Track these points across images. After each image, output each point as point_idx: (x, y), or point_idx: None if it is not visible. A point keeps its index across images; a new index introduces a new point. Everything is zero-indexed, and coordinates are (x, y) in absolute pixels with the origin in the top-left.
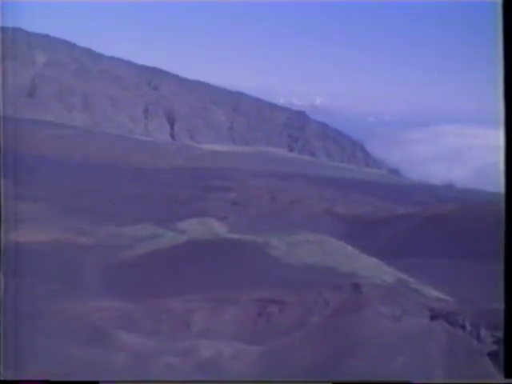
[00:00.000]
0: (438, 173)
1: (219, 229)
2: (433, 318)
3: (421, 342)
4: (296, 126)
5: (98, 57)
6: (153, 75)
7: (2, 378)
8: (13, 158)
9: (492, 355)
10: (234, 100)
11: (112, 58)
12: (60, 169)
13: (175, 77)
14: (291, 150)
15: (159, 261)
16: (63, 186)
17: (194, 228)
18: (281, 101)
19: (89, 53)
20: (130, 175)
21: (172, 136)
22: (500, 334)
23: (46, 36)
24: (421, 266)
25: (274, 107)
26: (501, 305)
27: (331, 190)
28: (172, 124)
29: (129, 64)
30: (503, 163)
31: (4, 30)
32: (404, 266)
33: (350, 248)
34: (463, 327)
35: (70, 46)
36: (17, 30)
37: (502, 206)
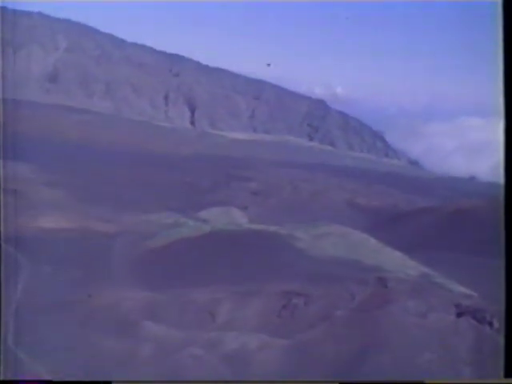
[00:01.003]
0: (460, 166)
1: (240, 219)
2: (459, 314)
3: (447, 339)
4: (317, 115)
5: (120, 43)
6: (174, 62)
7: (2, 378)
8: (36, 143)
9: None
10: (255, 88)
11: (134, 44)
12: (82, 155)
13: (197, 64)
14: (311, 139)
15: (184, 251)
16: (86, 172)
17: (215, 217)
18: (302, 90)
19: (111, 39)
20: (152, 162)
21: (192, 123)
22: None
23: (68, 21)
24: (444, 261)
25: (295, 96)
26: None
27: (352, 181)
28: (192, 111)
29: (150, 50)
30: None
31: (27, 14)
32: (427, 260)
33: (373, 241)
34: (491, 324)
35: (91, 32)
36: (39, 15)
37: None
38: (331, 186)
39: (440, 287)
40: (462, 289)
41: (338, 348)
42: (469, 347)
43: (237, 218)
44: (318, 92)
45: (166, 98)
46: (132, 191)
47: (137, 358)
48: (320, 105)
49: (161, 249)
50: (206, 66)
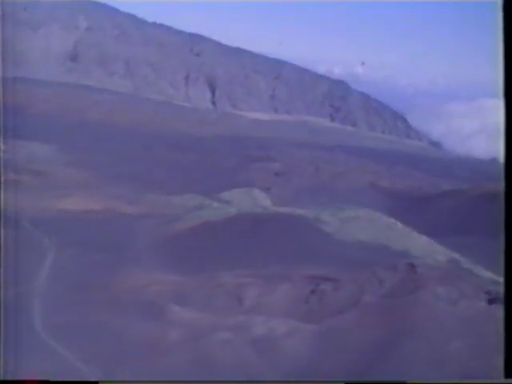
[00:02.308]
0: (481, 147)
1: (263, 200)
2: (491, 301)
3: (479, 327)
4: (337, 95)
5: (140, 23)
6: (194, 42)
7: (2, 378)
8: (56, 122)
9: None
10: (275, 68)
11: (154, 23)
12: (103, 134)
13: (217, 44)
14: (332, 119)
15: (209, 233)
16: (107, 152)
17: (238, 199)
18: (321, 69)
19: (131, 18)
20: (173, 142)
21: (213, 103)
22: None
23: (88, 0)
24: (472, 246)
25: (316, 76)
26: None
27: (374, 163)
28: (213, 91)
29: (170, 30)
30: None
31: None
32: (454, 245)
33: (400, 225)
34: None
35: (111, 12)
36: None
37: None
38: (353, 168)
39: (469, 273)
40: (491, 275)
41: (367, 334)
42: (501, 335)
43: (260, 200)
44: (338, 72)
45: (187, 77)
46: (153, 172)
47: (165, 342)
48: (341, 85)
49: (186, 231)
50: (226, 46)
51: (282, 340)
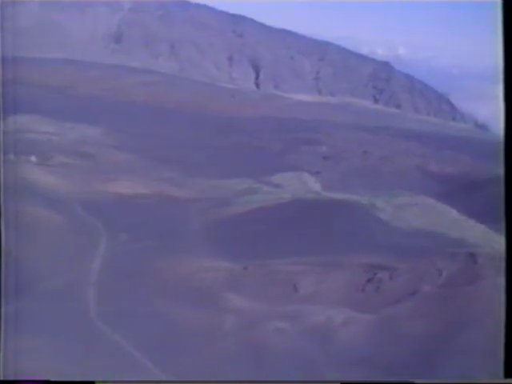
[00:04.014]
0: None
1: (313, 184)
2: None
3: None
4: (381, 77)
5: (184, 3)
6: (238, 22)
7: (2, 378)
8: (102, 104)
9: None
10: (320, 49)
11: (197, 4)
12: (149, 116)
13: (261, 25)
14: (376, 101)
15: (261, 219)
16: (154, 134)
17: (288, 183)
18: (365, 50)
19: None
20: (219, 124)
21: (257, 84)
22: None
23: None
24: None
25: (360, 57)
26: None
27: (420, 145)
28: (257, 72)
29: (214, 11)
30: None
31: None
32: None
33: (455, 212)
34: None
35: None
36: None
37: None
38: (400, 151)
39: None
40: None
41: (426, 325)
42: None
43: (310, 184)
44: (381, 53)
45: (230, 59)
46: (200, 154)
47: (219, 330)
48: (385, 66)
49: (238, 216)
50: (270, 27)
51: (338, 329)
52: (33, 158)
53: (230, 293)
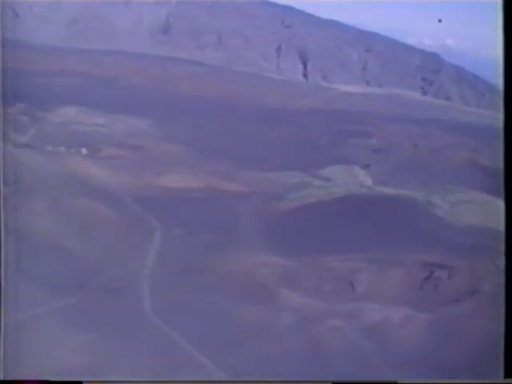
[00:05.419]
0: None
1: (364, 178)
2: None
3: None
4: (430, 68)
5: None
6: (286, 14)
7: (2, 378)
8: (150, 96)
9: None
10: (367, 40)
11: None
12: (196, 108)
13: (309, 16)
14: (425, 93)
15: (315, 214)
16: (202, 126)
17: (340, 177)
18: (412, 41)
19: None
20: (266, 116)
21: (305, 75)
22: None
23: None
24: None
25: (408, 48)
26: None
27: (471, 139)
28: (305, 63)
29: (262, 2)
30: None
31: None
32: None
33: None
34: None
35: None
36: None
37: None
38: (451, 144)
39: None
40: None
41: (485, 325)
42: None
43: (361, 178)
44: (428, 43)
45: (278, 50)
46: (249, 147)
47: (275, 327)
48: (434, 58)
49: (292, 211)
50: (318, 18)
51: (395, 328)
52: (83, 151)
53: (286, 289)
